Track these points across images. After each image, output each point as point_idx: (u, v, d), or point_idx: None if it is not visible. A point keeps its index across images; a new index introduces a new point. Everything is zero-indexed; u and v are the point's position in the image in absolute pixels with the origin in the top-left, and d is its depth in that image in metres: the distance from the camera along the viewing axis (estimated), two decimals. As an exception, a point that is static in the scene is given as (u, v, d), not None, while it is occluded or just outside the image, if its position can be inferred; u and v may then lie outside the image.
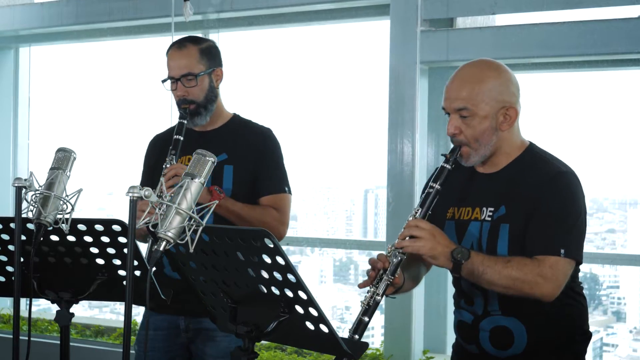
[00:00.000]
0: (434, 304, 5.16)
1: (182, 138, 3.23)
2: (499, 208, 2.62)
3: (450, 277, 5.06)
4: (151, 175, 3.41)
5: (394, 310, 5.02)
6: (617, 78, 5.24)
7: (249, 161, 3.31)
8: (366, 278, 2.58)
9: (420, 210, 2.58)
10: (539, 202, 2.55)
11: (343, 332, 2.51)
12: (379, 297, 2.50)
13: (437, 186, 2.60)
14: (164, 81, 3.34)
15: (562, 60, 4.88)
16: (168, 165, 3.17)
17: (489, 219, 2.62)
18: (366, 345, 2.32)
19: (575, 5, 4.75)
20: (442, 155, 2.65)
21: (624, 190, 5.27)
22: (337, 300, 6.39)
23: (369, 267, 2.59)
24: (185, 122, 3.26)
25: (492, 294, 2.63)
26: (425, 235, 2.50)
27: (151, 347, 3.34)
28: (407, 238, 2.53)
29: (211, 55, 3.35)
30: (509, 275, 2.47)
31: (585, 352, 2.73)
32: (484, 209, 2.64)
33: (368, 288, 2.56)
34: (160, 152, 3.37)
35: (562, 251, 2.51)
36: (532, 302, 2.57)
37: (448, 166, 2.61)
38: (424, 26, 5.03)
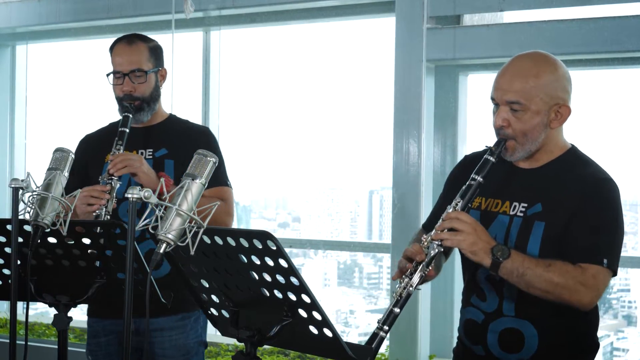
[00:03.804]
0: (440, 308, 5.13)
1: (128, 130, 3.26)
2: (534, 205, 2.55)
3: (456, 278, 5.04)
4: (83, 173, 3.40)
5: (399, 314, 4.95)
6: (628, 76, 5.22)
7: (188, 155, 3.30)
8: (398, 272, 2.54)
9: (460, 202, 2.50)
10: (582, 206, 2.49)
11: (347, 336, 2.44)
12: (412, 289, 2.44)
13: (479, 179, 2.51)
14: (108, 75, 3.37)
15: (572, 58, 4.85)
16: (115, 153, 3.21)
17: (521, 214, 2.56)
18: (371, 349, 2.28)
19: (584, 2, 4.75)
20: (486, 146, 2.56)
21: (635, 192, 5.24)
22: (342, 303, 6.39)
23: (395, 268, 2.57)
24: (131, 115, 3.29)
25: (509, 295, 2.58)
26: (467, 229, 2.42)
27: (106, 354, 3.39)
28: (446, 231, 2.45)
29: (157, 54, 3.42)
30: (550, 279, 2.41)
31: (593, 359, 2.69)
32: (516, 204, 2.58)
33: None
34: (93, 150, 3.41)
35: (605, 261, 2.46)
36: (550, 308, 2.51)
37: (492, 159, 2.53)
38: (430, 23, 5.02)
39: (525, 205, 2.56)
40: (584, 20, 4.64)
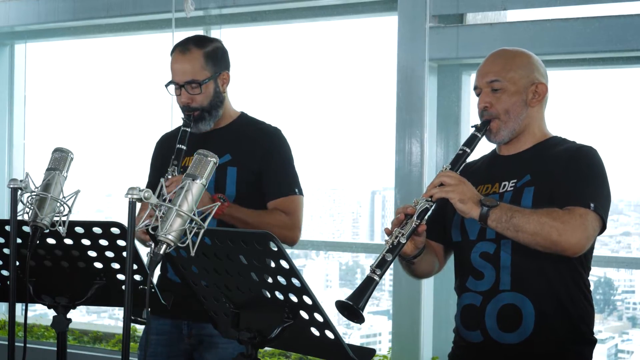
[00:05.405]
0: (443, 309, 5.11)
1: (184, 148, 3.17)
2: (524, 177, 2.68)
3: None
4: (158, 176, 3.33)
5: (402, 316, 4.99)
6: (633, 75, 5.20)
7: (254, 161, 3.24)
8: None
9: (449, 167, 2.66)
10: (568, 165, 2.62)
11: (349, 338, 2.42)
12: (403, 239, 2.54)
13: (468, 150, 2.68)
14: (167, 85, 3.27)
15: (576, 58, 4.86)
16: (169, 177, 3.09)
17: (511, 189, 2.69)
18: (373, 351, 2.27)
19: (589, 0, 4.72)
20: (472, 127, 2.73)
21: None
22: (343, 305, 6.31)
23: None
24: (189, 130, 3.20)
25: (505, 267, 2.64)
26: (456, 182, 2.56)
27: (152, 353, 3.32)
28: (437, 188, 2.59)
29: (217, 58, 3.25)
30: (538, 219, 2.48)
31: (591, 356, 2.71)
32: (505, 183, 2.71)
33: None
34: (168, 152, 3.29)
35: (592, 205, 2.53)
36: (544, 281, 2.61)
37: (479, 135, 2.70)
38: (433, 22, 5.00)
39: (515, 180, 2.70)
40: (588, 19, 4.62)
